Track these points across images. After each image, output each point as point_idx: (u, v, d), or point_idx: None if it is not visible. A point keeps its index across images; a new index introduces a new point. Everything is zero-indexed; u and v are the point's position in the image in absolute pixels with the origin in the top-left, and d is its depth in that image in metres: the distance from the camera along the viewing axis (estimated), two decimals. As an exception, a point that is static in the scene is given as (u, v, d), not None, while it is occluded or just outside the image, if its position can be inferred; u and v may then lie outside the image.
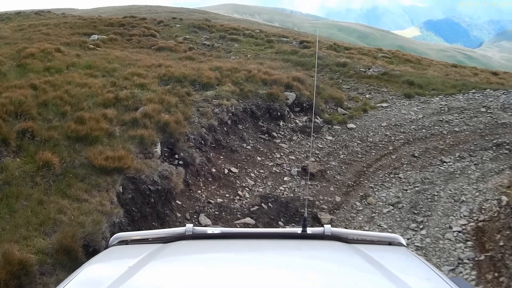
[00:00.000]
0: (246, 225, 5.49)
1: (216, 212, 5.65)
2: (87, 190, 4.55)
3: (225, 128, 7.61)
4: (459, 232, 5.42)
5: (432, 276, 1.41)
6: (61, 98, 6.57)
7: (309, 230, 1.72)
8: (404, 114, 9.81)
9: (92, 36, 15.42)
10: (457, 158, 7.60)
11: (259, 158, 7.39)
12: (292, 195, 6.42)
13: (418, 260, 1.59)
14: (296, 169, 7.17)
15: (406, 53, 21.94)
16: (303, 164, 7.36)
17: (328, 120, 9.22)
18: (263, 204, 5.93)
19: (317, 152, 7.98)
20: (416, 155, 7.83)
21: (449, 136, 8.59)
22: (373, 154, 8.01)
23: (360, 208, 6.25)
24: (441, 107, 10.09)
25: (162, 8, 42.45)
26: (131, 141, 5.59)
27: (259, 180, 6.76)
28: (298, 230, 1.72)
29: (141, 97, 7.24)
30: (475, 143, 8.16)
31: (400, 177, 7.07)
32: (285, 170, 7.18)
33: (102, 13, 34.56)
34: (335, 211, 6.13)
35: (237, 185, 6.48)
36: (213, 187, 6.23)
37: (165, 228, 4.66)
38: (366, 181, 7.03)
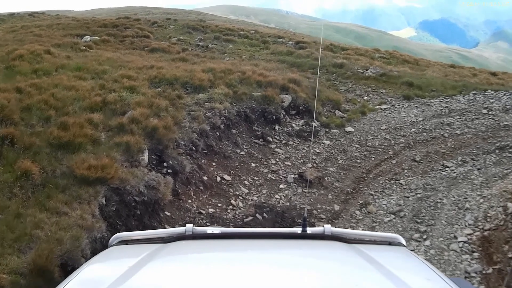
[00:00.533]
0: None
1: (208, 223, 5.33)
2: (67, 202, 4.26)
3: (217, 133, 7.29)
4: (465, 242, 5.18)
5: (432, 276, 1.41)
6: (46, 102, 6.29)
7: (309, 230, 1.72)
8: (404, 116, 9.51)
9: (84, 38, 15.18)
10: (460, 163, 7.33)
11: (253, 165, 7.07)
12: (288, 204, 6.10)
13: (418, 260, 1.61)
14: (293, 176, 6.85)
15: (404, 53, 21.70)
16: (299, 171, 7.04)
17: (325, 124, 8.88)
18: (257, 215, 5.62)
19: (314, 157, 7.67)
20: (417, 159, 7.55)
21: (450, 140, 8.31)
22: (373, 159, 7.71)
23: (360, 217, 5.96)
24: (442, 109, 9.80)
25: (158, 10, 42.03)
26: (116, 148, 5.27)
27: (253, 188, 6.45)
28: (298, 230, 1.73)
29: (129, 100, 6.94)
30: (477, 146, 7.90)
31: (401, 183, 6.78)
32: (281, 177, 6.87)
33: (97, 15, 34.18)
34: (333, 220, 5.83)
35: (230, 193, 6.16)
36: (205, 196, 5.91)
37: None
38: (366, 188, 6.73)
